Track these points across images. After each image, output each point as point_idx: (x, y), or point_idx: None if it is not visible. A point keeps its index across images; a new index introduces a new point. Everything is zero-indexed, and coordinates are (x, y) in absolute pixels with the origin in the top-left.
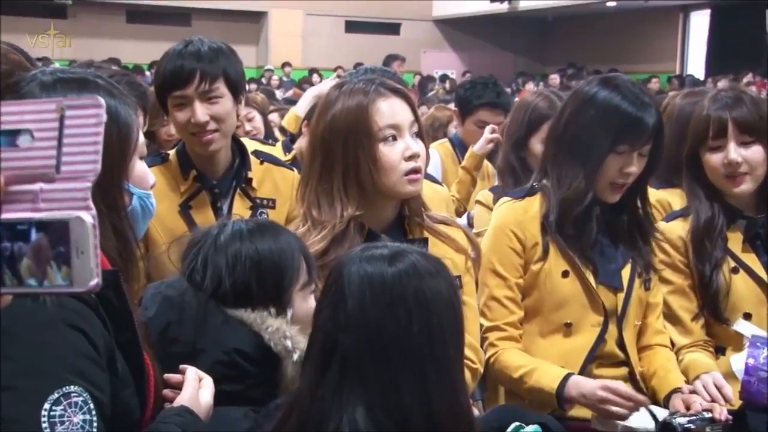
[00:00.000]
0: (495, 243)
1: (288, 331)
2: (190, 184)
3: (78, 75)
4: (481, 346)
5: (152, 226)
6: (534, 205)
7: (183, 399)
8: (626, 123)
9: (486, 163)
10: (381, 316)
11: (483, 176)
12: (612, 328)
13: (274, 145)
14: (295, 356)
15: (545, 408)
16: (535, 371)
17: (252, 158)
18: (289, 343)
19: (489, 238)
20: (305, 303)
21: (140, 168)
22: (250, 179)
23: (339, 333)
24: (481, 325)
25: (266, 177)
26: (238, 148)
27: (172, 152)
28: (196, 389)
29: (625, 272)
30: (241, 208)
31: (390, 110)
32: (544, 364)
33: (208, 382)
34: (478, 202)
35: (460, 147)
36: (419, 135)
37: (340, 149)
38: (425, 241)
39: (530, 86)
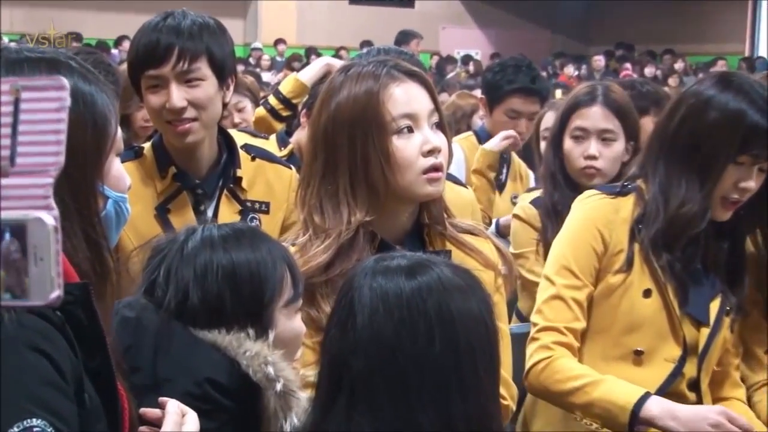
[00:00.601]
0: (576, 237)
1: (270, 356)
2: (168, 184)
3: (48, 55)
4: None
5: (123, 233)
6: (626, 206)
7: None
8: (752, 131)
9: (518, 161)
10: (396, 335)
11: (515, 176)
12: (690, 367)
13: (267, 139)
14: (278, 386)
15: (608, 425)
16: (602, 382)
17: (242, 154)
18: (271, 370)
19: (569, 229)
20: (290, 322)
21: (117, 167)
22: (240, 178)
23: (348, 355)
24: (534, 324)
25: (258, 176)
26: (226, 142)
27: (147, 145)
28: (179, 425)
29: (714, 306)
30: (228, 213)
31: (405, 97)
32: (613, 377)
33: (192, 418)
34: (516, 216)
35: (486, 141)
36: (440, 126)
37: (346, 144)
38: (447, 253)
39: (570, 70)
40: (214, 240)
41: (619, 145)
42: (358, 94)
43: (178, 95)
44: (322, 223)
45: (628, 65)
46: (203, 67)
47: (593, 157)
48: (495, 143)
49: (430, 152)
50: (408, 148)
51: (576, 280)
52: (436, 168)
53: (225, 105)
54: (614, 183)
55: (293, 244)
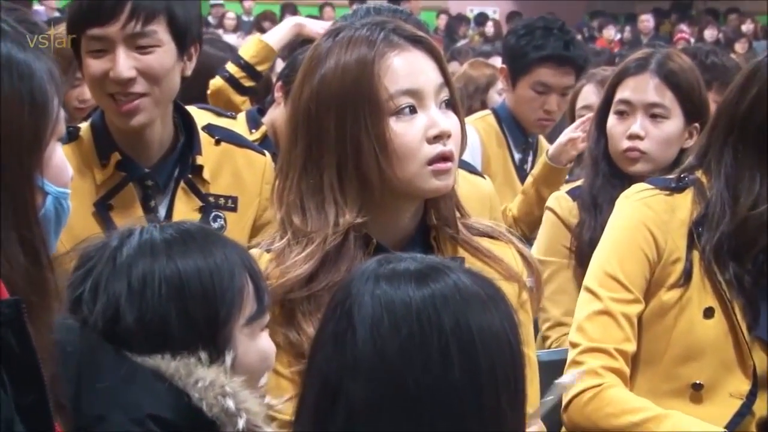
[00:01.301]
0: (623, 240)
1: (228, 384)
2: (110, 174)
3: None
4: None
5: None
6: (683, 204)
7: None
8: None
9: (546, 146)
10: (404, 354)
11: None
12: (761, 404)
13: (234, 118)
14: (241, 422)
15: None
16: (667, 418)
17: (203, 136)
18: (230, 402)
19: (614, 230)
20: (254, 343)
21: (59, 156)
22: (200, 167)
23: (344, 376)
24: (574, 345)
25: (224, 164)
26: (184, 122)
27: (84, 126)
28: None
29: None
30: (185, 210)
31: (407, 68)
32: (680, 413)
33: None
34: (549, 209)
35: (508, 122)
36: (451, 105)
37: (333, 126)
38: (460, 262)
39: (610, 32)
40: (155, 245)
41: (673, 125)
42: (348, 64)
43: (125, 63)
44: (303, 224)
45: (683, 27)
46: (160, 31)
47: (637, 137)
48: (557, 150)
49: (437, 138)
50: (409, 132)
51: (625, 292)
52: (444, 157)
53: (184, 80)
54: (669, 174)
55: (268, 250)
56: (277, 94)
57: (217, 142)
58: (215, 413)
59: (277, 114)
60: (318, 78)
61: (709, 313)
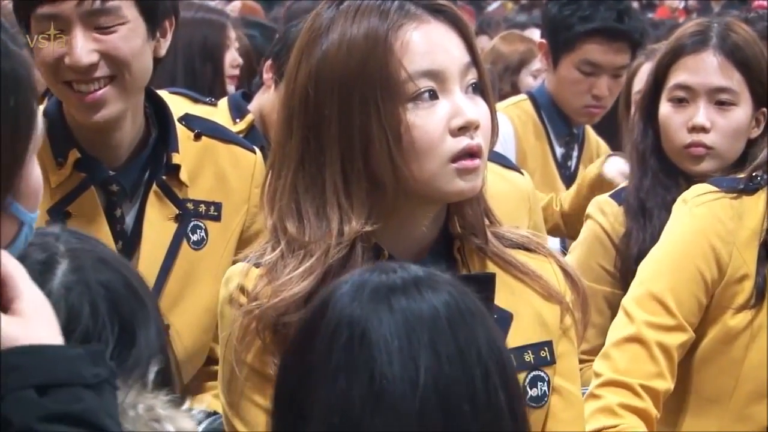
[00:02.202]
0: (676, 255)
1: (160, 407)
2: (67, 175)
3: None
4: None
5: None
6: (754, 209)
7: None
8: None
9: (594, 139)
10: (443, 377)
11: (590, 161)
12: None
13: (214, 105)
14: None
15: None
16: None
17: (180, 129)
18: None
19: (667, 242)
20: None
21: (36, 176)
22: (177, 167)
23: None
24: (597, 374)
25: (206, 163)
26: (157, 113)
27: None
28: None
29: None
30: (159, 219)
31: (426, 45)
32: None
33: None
34: (589, 218)
35: (548, 110)
36: (480, 89)
37: (337, 115)
38: (490, 279)
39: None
40: None
41: (742, 113)
42: (356, 38)
43: (84, 46)
44: (299, 233)
45: None
46: (124, 6)
47: (701, 129)
48: (616, 170)
49: (463, 129)
50: (430, 122)
51: (668, 317)
52: (471, 152)
53: (158, 62)
54: (737, 173)
55: (257, 264)
56: (266, 75)
57: (197, 137)
58: None
59: (266, 99)
60: (318, 55)
61: None
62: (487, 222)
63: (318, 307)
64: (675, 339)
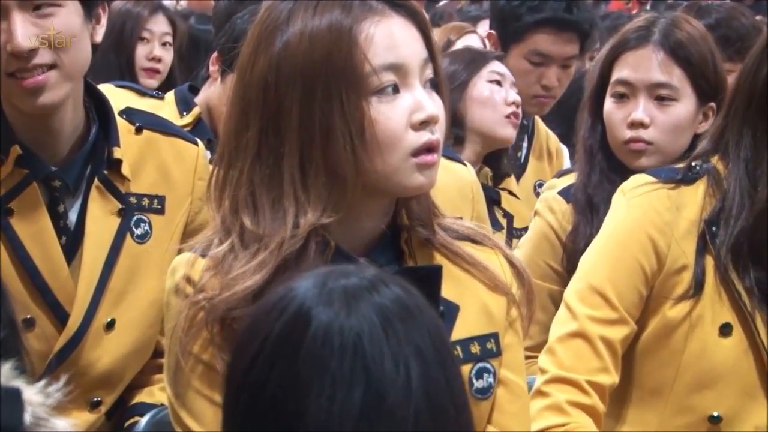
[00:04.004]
0: (615, 247)
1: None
2: (9, 171)
3: None
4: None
5: None
6: (692, 199)
7: None
8: None
9: (545, 131)
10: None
11: (540, 153)
12: None
13: (161, 98)
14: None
15: None
16: None
17: (121, 123)
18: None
19: (606, 235)
20: None
21: None
22: (118, 161)
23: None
24: (542, 370)
25: (148, 157)
26: (97, 106)
27: None
28: None
29: None
30: (101, 214)
31: (389, 39)
32: None
33: None
34: (537, 214)
35: None
36: (436, 84)
37: (297, 106)
38: (436, 271)
39: None
40: None
41: (683, 108)
42: (319, 30)
43: (24, 30)
44: (254, 225)
45: None
46: None
47: (640, 124)
48: None
49: (424, 123)
50: (393, 116)
51: (610, 311)
52: (430, 147)
53: (96, 49)
54: (676, 164)
55: (203, 255)
56: (213, 68)
57: (138, 130)
58: None
59: (212, 92)
60: (279, 46)
61: (725, 330)
62: (433, 215)
63: (294, 318)
64: (618, 332)
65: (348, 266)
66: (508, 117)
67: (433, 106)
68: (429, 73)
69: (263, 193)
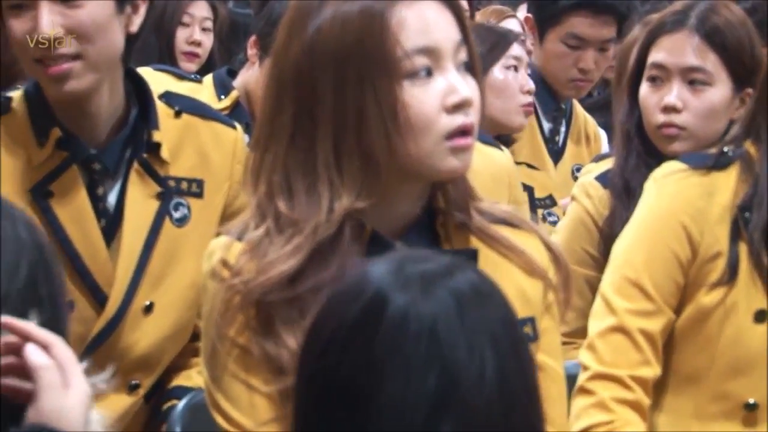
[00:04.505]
0: (648, 237)
1: None
2: (49, 154)
3: None
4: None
5: None
6: (725, 185)
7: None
8: None
9: (583, 115)
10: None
11: (578, 137)
12: None
13: (199, 82)
14: None
15: None
16: None
17: (161, 107)
18: None
19: (638, 225)
20: None
21: None
22: (157, 145)
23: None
24: (584, 367)
25: (187, 141)
26: (137, 90)
27: (17, 95)
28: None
29: None
30: (141, 197)
31: (422, 22)
32: None
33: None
34: (574, 199)
35: (535, 84)
36: (471, 67)
37: (331, 90)
38: (472, 254)
39: None
40: None
41: (718, 93)
42: (351, 14)
43: (49, 19)
44: (289, 210)
45: None
46: None
47: (673, 109)
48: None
49: (458, 107)
50: (426, 99)
51: (647, 302)
52: (465, 130)
53: (135, 38)
54: (709, 149)
55: (239, 239)
56: (251, 52)
57: (178, 114)
58: None
59: (250, 76)
60: (311, 30)
61: (760, 316)
62: (469, 198)
63: (370, 302)
64: (657, 323)
65: (423, 251)
66: (522, 105)
67: (467, 88)
68: (463, 56)
69: (298, 178)
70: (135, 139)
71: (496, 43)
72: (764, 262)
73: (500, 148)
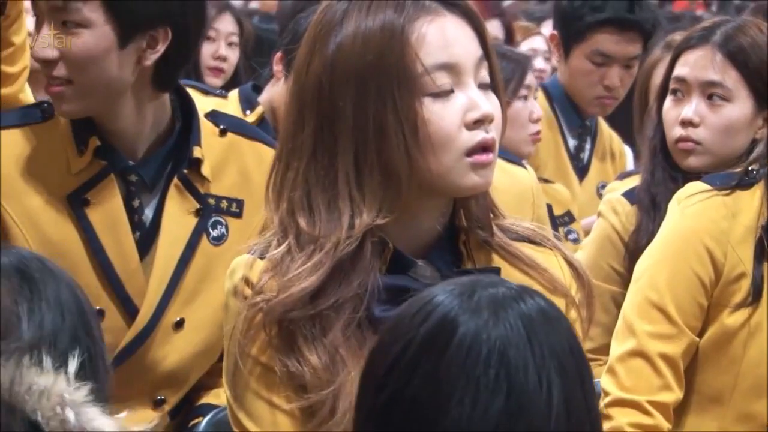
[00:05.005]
0: (671, 259)
1: (68, 393)
2: (88, 162)
3: None
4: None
5: (18, 235)
6: (748, 205)
7: None
8: None
9: (608, 132)
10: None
11: (603, 154)
12: None
13: (225, 97)
14: None
15: None
16: None
17: (206, 124)
18: (71, 415)
19: (661, 246)
20: None
21: None
22: (198, 160)
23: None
24: (604, 392)
25: (230, 159)
26: (182, 106)
27: None
28: None
29: None
30: (179, 213)
31: (442, 39)
32: None
33: None
34: (600, 215)
35: (561, 101)
36: (492, 84)
37: (352, 106)
38: (495, 273)
39: None
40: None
41: (736, 110)
42: (372, 30)
43: (44, 40)
44: (309, 227)
45: None
46: (87, 8)
47: (690, 123)
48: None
49: (479, 122)
50: (447, 115)
51: (669, 325)
52: (485, 147)
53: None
54: (732, 168)
55: (261, 257)
56: (276, 67)
57: (223, 133)
58: (53, 427)
59: (276, 92)
60: (332, 47)
61: None
62: (492, 215)
63: (440, 324)
64: (678, 347)
65: (493, 276)
66: (531, 135)
67: (488, 104)
68: (484, 72)
69: (318, 194)
70: (177, 154)
71: (512, 73)
72: None
73: (524, 167)
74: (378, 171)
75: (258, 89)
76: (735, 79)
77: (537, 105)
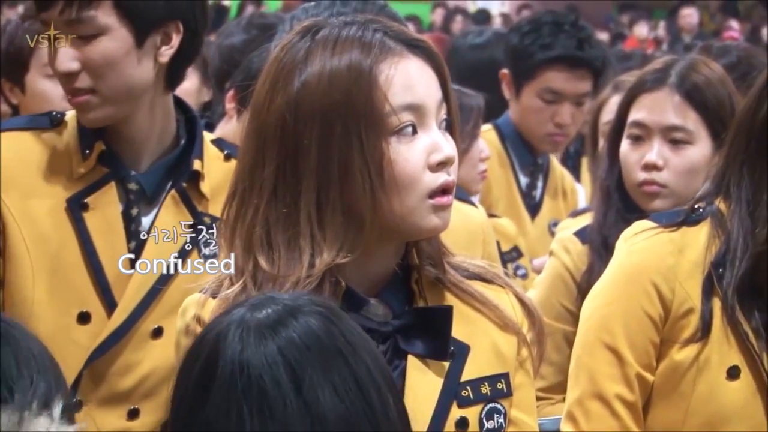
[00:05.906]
0: (620, 298)
1: None
2: (91, 167)
3: None
4: None
5: (15, 232)
6: (695, 241)
7: None
8: None
9: (559, 170)
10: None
11: (554, 192)
12: None
13: None
14: None
15: None
16: None
17: (211, 149)
18: None
19: (608, 285)
20: None
21: None
22: (197, 173)
23: None
24: None
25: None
26: (187, 123)
27: (71, 113)
28: None
29: None
30: (171, 224)
31: (407, 80)
32: None
33: None
34: (552, 254)
35: (512, 139)
36: (449, 125)
37: (316, 144)
38: (447, 311)
39: (642, 30)
40: None
41: (698, 151)
42: (339, 70)
43: (65, 54)
44: (269, 265)
45: (733, 23)
46: (101, 15)
47: (654, 167)
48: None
49: (441, 165)
50: (412, 156)
51: (624, 366)
52: (446, 189)
53: (179, 63)
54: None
55: (214, 296)
56: (229, 106)
57: (227, 158)
58: None
59: (228, 129)
60: (297, 85)
61: (733, 373)
62: (443, 254)
63: (208, 356)
64: (635, 387)
65: (268, 296)
66: (480, 173)
67: (449, 146)
68: (443, 114)
69: (278, 232)
70: (178, 169)
71: (470, 113)
72: (737, 318)
73: (475, 205)
74: (340, 211)
75: (210, 127)
76: (695, 120)
77: (484, 143)
